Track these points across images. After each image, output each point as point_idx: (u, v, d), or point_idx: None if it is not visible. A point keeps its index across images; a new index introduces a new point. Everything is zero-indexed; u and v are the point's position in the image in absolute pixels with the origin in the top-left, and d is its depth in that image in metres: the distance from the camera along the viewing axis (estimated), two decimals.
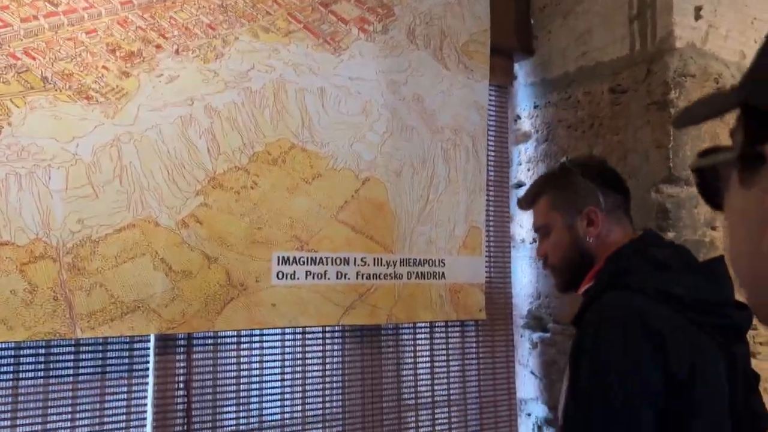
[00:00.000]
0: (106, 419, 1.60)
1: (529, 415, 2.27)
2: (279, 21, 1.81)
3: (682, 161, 1.88)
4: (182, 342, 1.69)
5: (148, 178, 1.59)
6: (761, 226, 0.42)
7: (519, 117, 2.40)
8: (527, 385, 2.28)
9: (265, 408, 1.79)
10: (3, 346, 1.49)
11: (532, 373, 2.27)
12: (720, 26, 2.00)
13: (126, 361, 1.64)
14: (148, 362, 1.66)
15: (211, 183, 1.69)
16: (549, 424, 2.19)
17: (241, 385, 1.77)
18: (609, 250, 1.26)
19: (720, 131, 1.97)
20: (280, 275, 1.79)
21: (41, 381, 1.54)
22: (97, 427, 1.58)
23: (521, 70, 2.40)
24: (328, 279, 1.86)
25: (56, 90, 1.50)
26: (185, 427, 1.67)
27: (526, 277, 2.31)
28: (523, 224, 2.32)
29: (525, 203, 1.44)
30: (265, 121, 1.78)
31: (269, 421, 1.80)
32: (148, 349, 1.66)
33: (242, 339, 1.77)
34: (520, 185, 2.35)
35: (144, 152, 1.59)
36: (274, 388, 1.81)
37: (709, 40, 1.98)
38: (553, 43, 2.29)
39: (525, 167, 2.35)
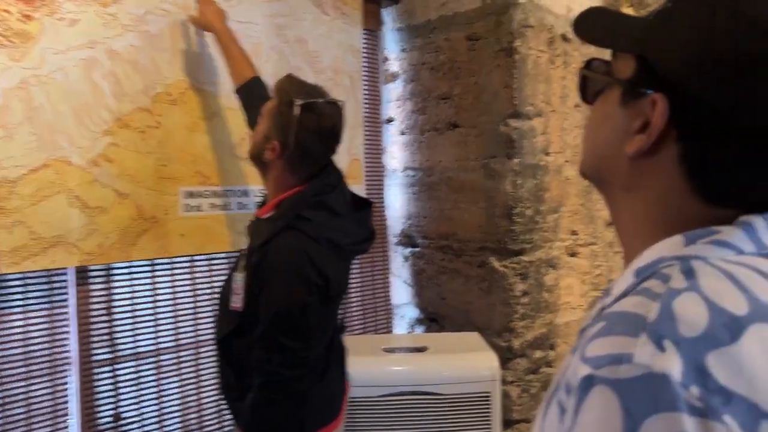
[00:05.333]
0: (30, 347, 1.71)
1: (403, 317, 2.67)
2: None
3: (525, 99, 2.28)
4: (101, 273, 1.82)
5: (57, 119, 1.67)
6: (625, 136, 0.58)
7: (387, 59, 2.68)
8: (401, 293, 2.67)
9: (180, 328, 1.99)
10: None
11: (405, 282, 2.65)
12: None
13: (45, 294, 1.74)
14: (67, 294, 1.77)
15: (118, 123, 1.79)
16: (420, 323, 2.61)
17: (158, 309, 1.94)
18: (284, 186, 1.50)
19: (552, 74, 2.40)
20: (187, 208, 1.95)
21: None
22: (21, 356, 1.69)
23: (388, 17, 2.66)
24: (231, 209, 2.05)
25: None
26: (110, 350, 1.83)
27: (398, 202, 2.65)
28: (394, 155, 2.65)
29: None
30: (163, 63, 1.89)
31: (185, 340, 2.00)
32: (66, 281, 1.77)
33: (156, 267, 1.94)
34: (390, 121, 2.66)
35: (52, 94, 1.65)
36: (186, 310, 2.01)
37: None
38: None
39: (394, 104, 2.65)
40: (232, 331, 1.47)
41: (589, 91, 0.66)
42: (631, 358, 0.44)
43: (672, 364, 0.43)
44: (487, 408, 1.87)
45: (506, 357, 2.28)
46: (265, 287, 1.40)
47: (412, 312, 2.64)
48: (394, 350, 1.99)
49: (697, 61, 0.52)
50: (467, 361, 1.86)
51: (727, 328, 0.45)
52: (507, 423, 2.26)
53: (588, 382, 0.45)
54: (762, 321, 0.46)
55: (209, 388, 2.06)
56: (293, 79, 1.53)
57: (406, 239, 2.65)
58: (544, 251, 2.38)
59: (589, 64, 0.66)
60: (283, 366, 1.35)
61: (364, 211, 1.58)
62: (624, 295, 0.53)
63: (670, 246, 0.54)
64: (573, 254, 2.54)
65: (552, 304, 2.42)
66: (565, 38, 2.45)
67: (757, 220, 0.52)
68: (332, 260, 1.45)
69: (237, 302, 1.45)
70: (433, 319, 2.57)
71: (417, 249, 2.60)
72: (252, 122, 1.75)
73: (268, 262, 1.40)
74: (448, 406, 1.84)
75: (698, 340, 0.44)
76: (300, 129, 1.42)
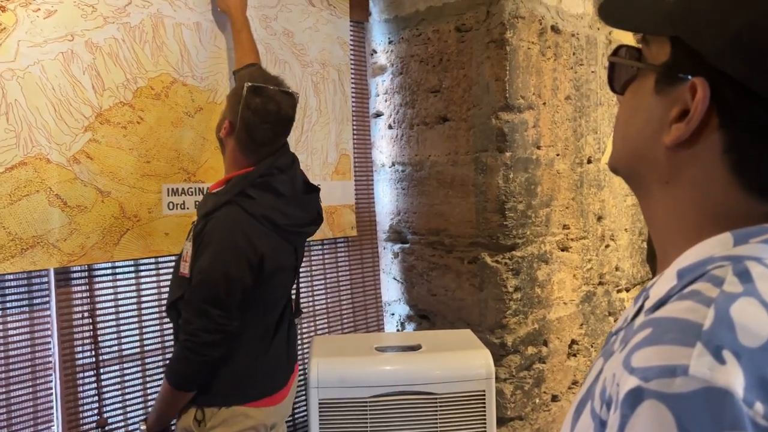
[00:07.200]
0: (11, 352, 1.64)
1: (393, 314, 2.63)
2: None
3: (516, 92, 2.24)
4: (83, 273, 1.75)
5: (35, 115, 1.60)
6: (661, 126, 0.54)
7: (375, 51, 2.63)
8: (391, 290, 2.63)
9: (166, 330, 1.93)
10: None
11: (395, 278, 2.61)
12: None
13: (25, 296, 1.67)
14: (48, 296, 1.70)
15: (99, 119, 1.72)
16: (410, 320, 2.57)
17: (143, 311, 1.88)
18: (237, 166, 1.59)
19: (543, 66, 2.36)
20: (171, 206, 1.89)
21: None
22: (1, 360, 1.63)
23: (375, 8, 2.60)
24: None
25: None
26: (93, 353, 1.76)
27: (386, 197, 2.61)
28: (383, 150, 2.60)
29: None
30: (145, 56, 1.82)
31: (171, 341, 1.94)
32: (47, 283, 1.70)
33: (140, 267, 1.87)
34: (378, 115, 2.61)
35: (28, 89, 1.58)
36: None
37: None
38: None
39: (383, 98, 2.60)
40: (180, 297, 1.51)
41: (618, 80, 0.62)
42: (687, 370, 0.40)
43: (734, 378, 0.39)
44: (482, 406, 1.84)
45: (499, 354, 2.25)
46: (199, 255, 1.48)
47: (402, 309, 2.60)
48: (387, 349, 1.94)
49: (741, 41, 0.48)
50: (463, 360, 1.82)
51: None
52: (500, 420, 2.23)
53: (636, 396, 0.41)
54: None
55: None
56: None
57: (396, 235, 2.60)
58: (536, 246, 2.35)
59: (617, 51, 0.62)
60: (201, 330, 1.44)
61: (310, 196, 1.69)
62: (667, 298, 0.49)
63: (717, 245, 0.50)
64: (564, 249, 2.51)
65: (544, 300, 2.39)
66: (555, 29, 2.42)
67: None
68: (270, 238, 1.53)
69: (185, 269, 1.52)
70: (423, 316, 2.53)
71: (407, 245, 2.56)
72: None
73: (205, 233, 1.49)
74: (443, 406, 1.80)
75: (761, 351, 0.40)
76: (244, 109, 1.52)
